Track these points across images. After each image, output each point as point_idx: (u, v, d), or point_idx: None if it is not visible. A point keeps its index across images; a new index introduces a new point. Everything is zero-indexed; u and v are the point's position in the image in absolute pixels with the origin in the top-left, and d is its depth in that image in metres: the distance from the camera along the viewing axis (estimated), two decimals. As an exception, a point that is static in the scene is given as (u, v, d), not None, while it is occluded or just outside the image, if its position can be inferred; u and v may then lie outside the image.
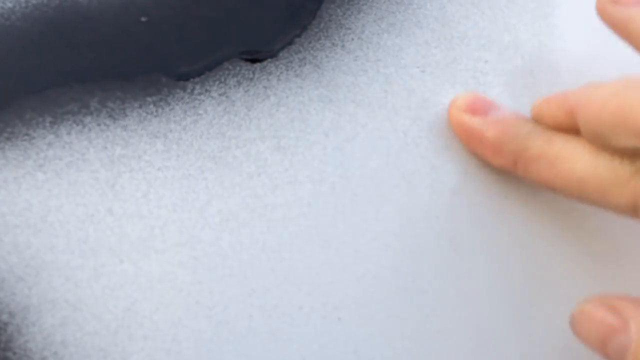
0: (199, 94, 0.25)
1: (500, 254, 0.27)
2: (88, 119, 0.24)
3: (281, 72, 0.26)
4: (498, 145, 0.26)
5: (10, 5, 0.25)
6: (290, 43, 0.27)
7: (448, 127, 0.28)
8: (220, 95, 0.26)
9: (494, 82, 0.29)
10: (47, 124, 0.24)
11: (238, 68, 0.26)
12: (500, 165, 0.27)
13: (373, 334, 0.25)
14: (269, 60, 0.27)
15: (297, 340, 0.24)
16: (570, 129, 0.25)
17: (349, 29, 0.28)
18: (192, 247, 0.24)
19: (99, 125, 0.24)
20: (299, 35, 0.27)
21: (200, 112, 0.25)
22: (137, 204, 0.24)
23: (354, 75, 0.27)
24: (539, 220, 0.28)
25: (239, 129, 0.25)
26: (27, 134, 0.24)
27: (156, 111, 0.25)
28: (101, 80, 0.25)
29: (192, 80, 0.26)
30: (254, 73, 0.26)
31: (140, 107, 0.25)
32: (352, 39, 0.28)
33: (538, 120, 0.27)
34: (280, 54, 0.27)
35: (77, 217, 0.23)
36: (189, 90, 0.25)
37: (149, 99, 0.25)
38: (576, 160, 0.25)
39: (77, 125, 0.24)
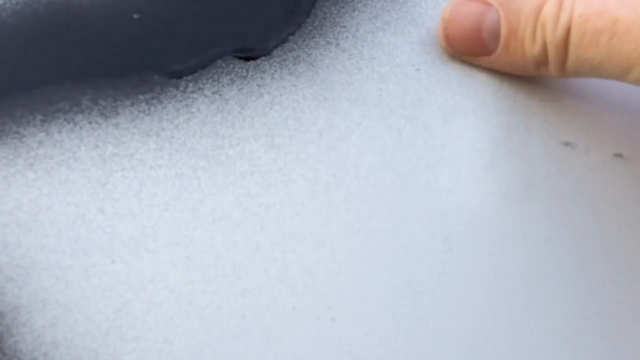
0: (192, 92, 0.25)
1: (494, 253, 0.27)
2: (79, 117, 0.24)
3: (275, 71, 0.26)
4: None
5: (0, 2, 0.25)
6: (284, 41, 0.27)
7: (443, 126, 0.28)
8: (213, 93, 0.25)
9: (490, 81, 0.29)
10: (38, 122, 0.24)
11: (231, 66, 0.26)
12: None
13: (367, 335, 0.25)
14: (263, 58, 0.26)
15: (290, 340, 0.24)
16: None
17: (344, 27, 0.27)
18: (185, 247, 0.24)
19: (90, 123, 0.24)
20: (293, 34, 0.27)
21: (193, 110, 0.25)
22: (129, 203, 0.24)
23: (348, 73, 0.27)
24: (534, 219, 0.28)
25: (232, 127, 0.25)
26: (17, 132, 0.23)
27: (148, 109, 0.25)
28: (93, 78, 0.24)
29: (185, 78, 0.25)
30: (247, 71, 0.26)
31: (132, 105, 0.25)
32: (347, 37, 0.27)
33: None
34: (274, 52, 0.27)
35: (68, 216, 0.23)
36: (181, 88, 0.25)
37: (141, 96, 0.25)
38: None
39: (68, 123, 0.24)
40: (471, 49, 0.28)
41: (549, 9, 0.26)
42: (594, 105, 0.30)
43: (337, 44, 0.27)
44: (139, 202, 0.24)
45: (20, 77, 0.24)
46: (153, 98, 0.25)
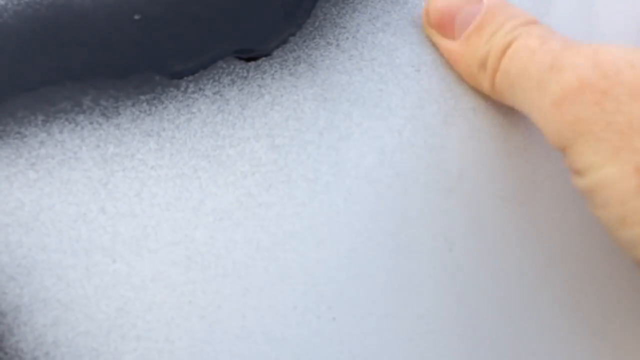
0: (193, 92, 0.25)
1: (495, 253, 0.27)
2: (81, 117, 0.24)
3: (275, 71, 0.26)
4: None
5: (2, 2, 0.25)
6: (285, 42, 0.27)
7: (443, 127, 0.28)
8: (214, 93, 0.25)
9: (489, 82, 0.29)
10: (40, 122, 0.24)
11: (232, 67, 0.26)
12: None
13: (368, 334, 0.25)
14: (264, 59, 0.26)
15: (291, 340, 0.24)
16: None
17: (344, 27, 0.28)
18: (186, 247, 0.24)
19: (91, 123, 0.24)
20: (293, 34, 0.27)
21: (194, 110, 0.25)
22: (130, 203, 0.24)
23: (348, 74, 0.27)
24: (534, 219, 0.28)
25: (233, 127, 0.25)
26: (19, 132, 0.23)
27: (149, 109, 0.25)
28: (94, 79, 0.25)
29: (186, 78, 0.25)
30: (248, 72, 0.26)
31: (133, 105, 0.25)
32: (347, 38, 0.27)
33: None
34: (275, 53, 0.27)
35: (70, 216, 0.23)
36: (182, 89, 0.25)
37: (142, 97, 0.25)
38: None
39: (70, 123, 0.24)
40: (441, 25, 0.28)
41: (515, 21, 0.26)
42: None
43: (338, 45, 0.27)
44: (140, 201, 0.24)
45: (22, 78, 0.24)
46: (154, 98, 0.25)
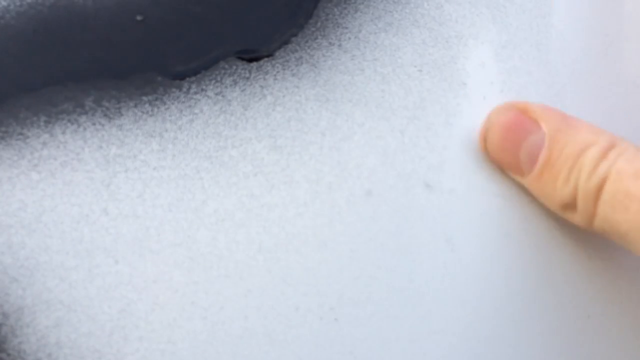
0: (195, 93, 0.25)
1: (497, 254, 0.27)
2: (83, 118, 0.24)
3: (278, 72, 0.26)
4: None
5: (4, 3, 0.25)
6: (287, 42, 0.27)
7: (445, 127, 0.28)
8: (216, 94, 0.25)
9: (491, 82, 0.29)
10: (42, 123, 0.24)
11: (234, 67, 0.26)
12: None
13: (370, 335, 0.25)
14: (266, 59, 0.26)
15: (293, 341, 0.24)
16: None
17: (346, 28, 0.28)
18: (188, 248, 0.24)
19: (94, 124, 0.24)
20: (295, 35, 0.27)
21: (196, 111, 0.25)
22: (133, 204, 0.24)
23: (350, 74, 0.27)
24: (536, 220, 0.28)
25: (235, 128, 0.25)
26: (21, 133, 0.23)
27: (152, 110, 0.25)
28: (96, 79, 0.25)
29: (187, 79, 0.25)
30: (250, 72, 0.26)
31: (135, 106, 0.25)
32: (349, 38, 0.27)
33: None
34: (277, 53, 0.27)
35: (72, 217, 0.23)
36: (184, 90, 0.25)
37: (144, 98, 0.25)
38: None
39: (72, 124, 0.24)
40: (505, 162, 0.26)
41: (592, 153, 0.23)
42: (593, 107, 0.30)
43: (340, 45, 0.27)
44: (143, 202, 0.24)
45: (24, 79, 0.24)
46: (156, 99, 0.25)
